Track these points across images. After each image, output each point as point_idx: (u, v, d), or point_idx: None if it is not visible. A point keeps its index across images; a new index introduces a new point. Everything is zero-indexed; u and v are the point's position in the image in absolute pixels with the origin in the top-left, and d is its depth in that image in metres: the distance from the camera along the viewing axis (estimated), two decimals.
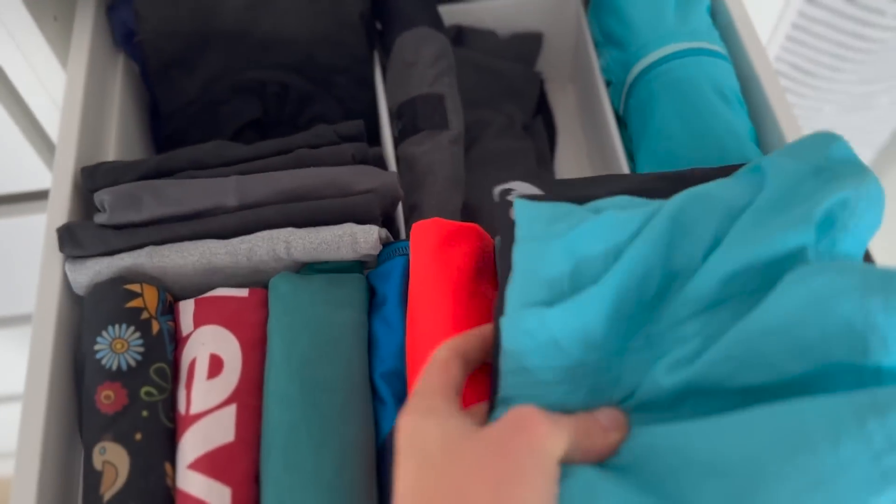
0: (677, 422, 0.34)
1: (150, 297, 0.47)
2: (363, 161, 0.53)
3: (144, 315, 0.46)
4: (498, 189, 0.46)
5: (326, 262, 0.50)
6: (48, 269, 0.49)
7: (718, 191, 0.39)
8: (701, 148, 0.53)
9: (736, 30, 0.58)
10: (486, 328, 0.39)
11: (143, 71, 0.62)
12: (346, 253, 0.49)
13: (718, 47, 0.57)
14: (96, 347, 0.44)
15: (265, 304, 0.48)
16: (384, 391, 0.47)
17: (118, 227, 0.49)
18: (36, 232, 0.79)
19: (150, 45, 0.61)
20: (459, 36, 0.71)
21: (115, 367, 0.43)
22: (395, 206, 0.53)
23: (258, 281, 0.51)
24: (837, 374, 0.32)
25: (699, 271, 0.37)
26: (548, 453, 0.30)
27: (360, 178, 0.51)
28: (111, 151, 0.59)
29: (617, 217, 0.39)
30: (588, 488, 0.32)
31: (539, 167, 0.69)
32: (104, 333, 0.44)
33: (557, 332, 0.37)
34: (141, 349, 0.44)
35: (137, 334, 0.45)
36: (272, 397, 0.44)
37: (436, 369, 0.36)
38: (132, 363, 0.44)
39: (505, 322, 0.37)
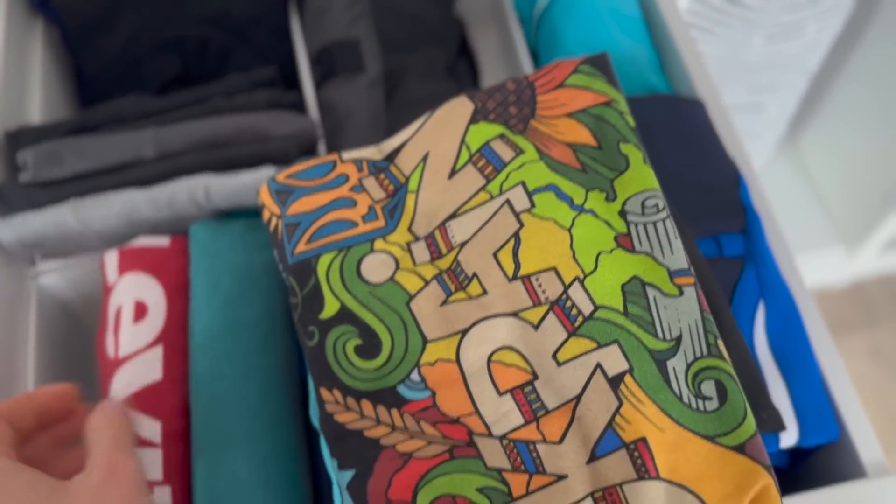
0: None
1: None
2: (278, 106, 0.55)
3: None
4: None
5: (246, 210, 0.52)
6: None
7: None
8: None
9: None
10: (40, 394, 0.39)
11: (62, 34, 0.63)
12: None
13: None
14: None
15: (186, 251, 0.50)
16: None
17: (43, 185, 0.51)
18: None
19: (66, 8, 0.61)
20: None
21: None
22: (313, 149, 0.55)
23: (181, 230, 0.53)
24: None
25: None
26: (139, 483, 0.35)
27: (276, 123, 0.53)
28: (36, 116, 0.60)
29: None
30: None
31: None
32: None
33: None
34: None
35: None
36: (196, 335, 0.47)
37: None
38: None
39: None
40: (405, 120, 0.66)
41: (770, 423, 0.41)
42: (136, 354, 0.46)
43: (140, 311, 0.47)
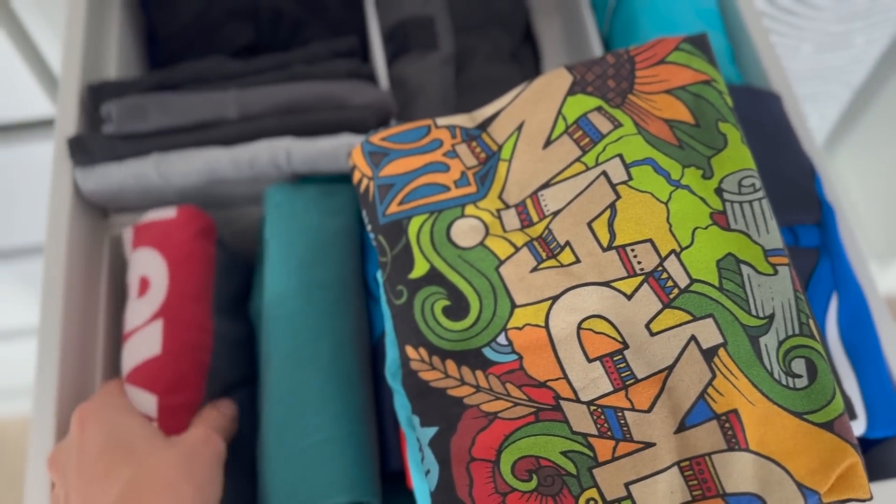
0: None
1: None
2: (356, 77, 0.56)
3: None
4: None
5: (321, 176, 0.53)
6: (58, 181, 0.52)
7: None
8: None
9: None
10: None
11: None
12: (344, 163, 0.51)
13: None
14: None
15: (193, 220, 0.50)
16: (378, 291, 0.50)
17: (125, 138, 0.51)
18: (26, 163, 0.80)
19: None
20: None
21: None
22: (387, 121, 0.56)
23: (257, 192, 0.53)
24: None
25: None
26: (222, 458, 0.44)
27: (355, 93, 0.54)
28: (111, 74, 0.61)
29: None
30: None
31: None
32: None
33: None
34: None
35: None
36: (271, 293, 0.47)
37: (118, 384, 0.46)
38: None
39: None
40: (469, 100, 0.67)
41: None
42: (138, 329, 0.47)
43: (144, 286, 0.48)
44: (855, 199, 1.45)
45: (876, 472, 0.46)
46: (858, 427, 0.44)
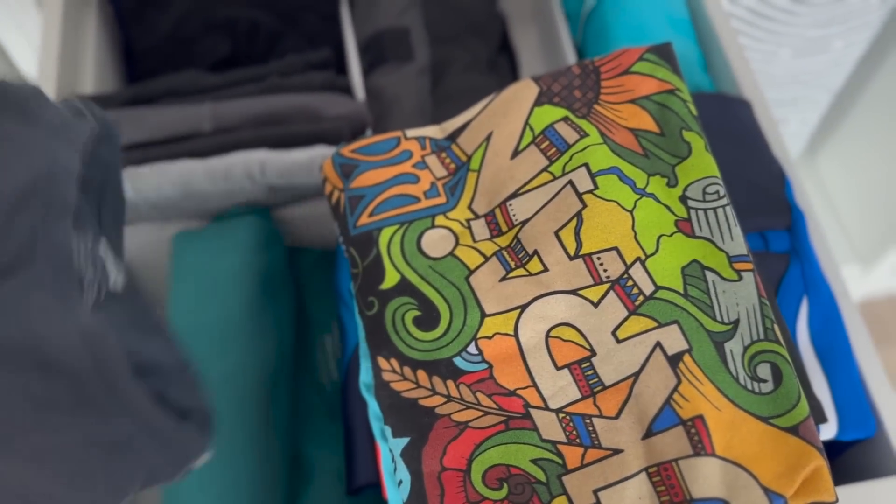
0: None
1: None
2: (331, 88, 0.56)
3: None
4: None
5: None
6: None
7: None
8: None
9: None
10: None
11: (117, 9, 0.64)
12: (318, 175, 0.51)
13: None
14: None
15: None
16: (352, 303, 0.50)
17: None
18: None
19: None
20: None
21: None
22: (362, 132, 0.56)
23: (232, 205, 0.53)
24: None
25: None
26: None
27: (329, 105, 0.54)
28: (88, 89, 0.61)
29: None
30: None
31: None
32: None
33: None
34: None
35: None
36: None
37: None
38: None
39: None
40: (446, 110, 0.67)
41: (812, 414, 0.42)
42: None
43: None
44: (837, 202, 1.46)
45: (846, 476, 0.47)
46: (829, 430, 0.45)
